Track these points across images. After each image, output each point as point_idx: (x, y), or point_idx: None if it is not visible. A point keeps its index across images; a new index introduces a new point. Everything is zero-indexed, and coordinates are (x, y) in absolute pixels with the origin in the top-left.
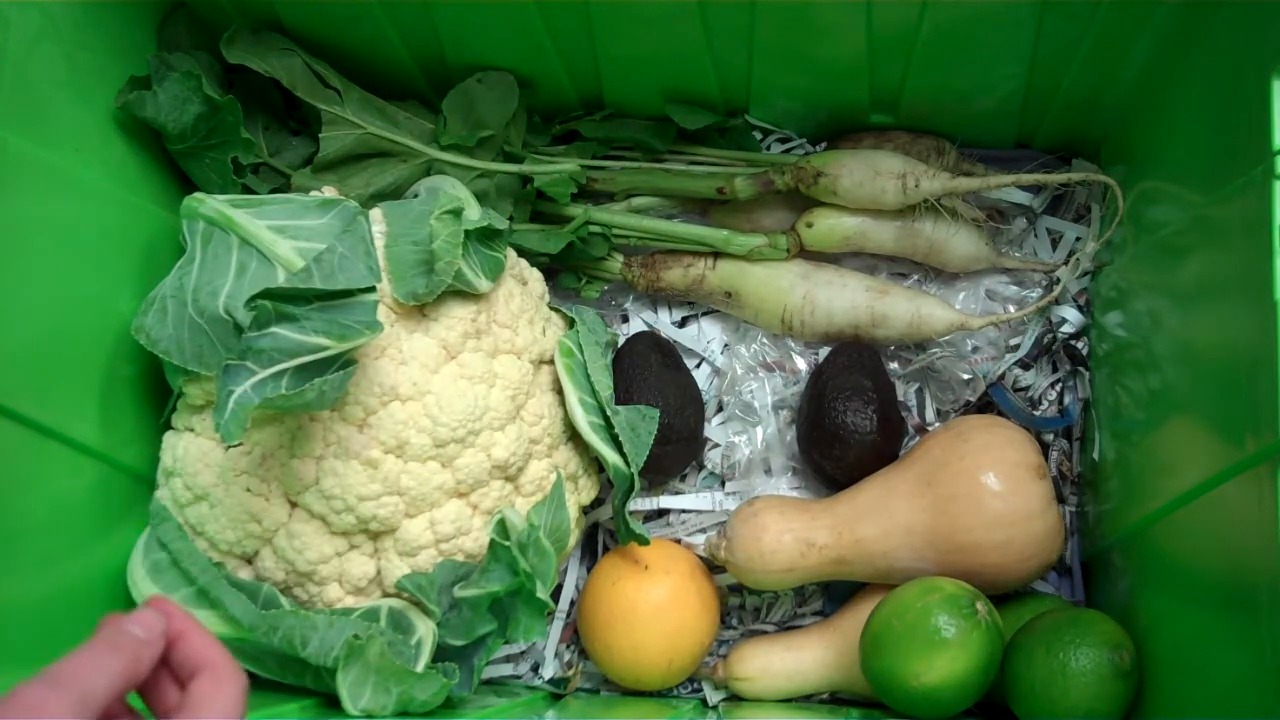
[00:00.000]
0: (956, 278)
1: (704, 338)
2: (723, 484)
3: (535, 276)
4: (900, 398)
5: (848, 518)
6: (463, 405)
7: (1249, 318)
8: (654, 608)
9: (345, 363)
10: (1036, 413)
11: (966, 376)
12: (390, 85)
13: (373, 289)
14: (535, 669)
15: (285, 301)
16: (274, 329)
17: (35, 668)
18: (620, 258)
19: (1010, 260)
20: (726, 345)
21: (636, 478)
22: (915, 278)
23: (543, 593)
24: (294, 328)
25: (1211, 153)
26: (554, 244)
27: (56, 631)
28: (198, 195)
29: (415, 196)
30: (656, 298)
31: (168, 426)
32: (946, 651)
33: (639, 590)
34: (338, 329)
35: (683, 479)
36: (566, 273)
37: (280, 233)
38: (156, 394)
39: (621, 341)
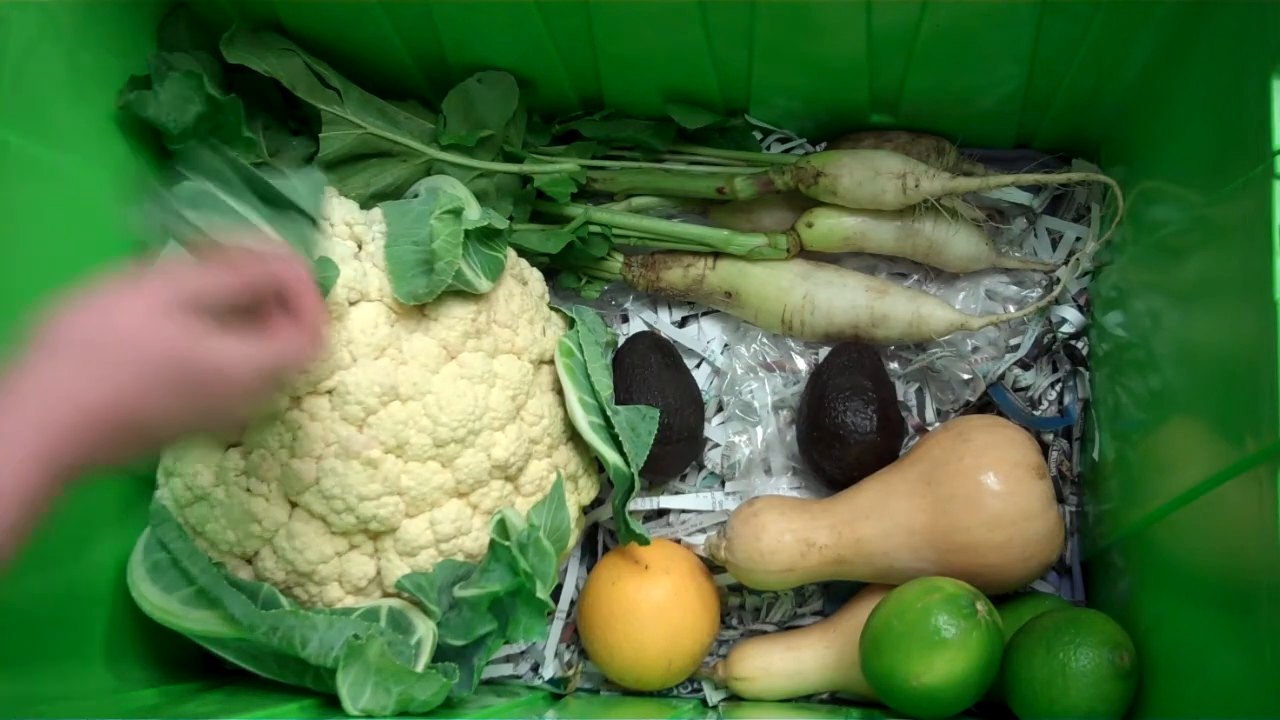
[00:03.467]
0: (956, 278)
1: (704, 338)
2: (723, 484)
3: (535, 276)
4: (900, 398)
5: (848, 518)
6: (463, 405)
7: (1249, 318)
8: (654, 608)
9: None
10: (1036, 413)
11: (966, 376)
12: (390, 85)
13: (313, 221)
14: (535, 669)
15: (229, 166)
16: (208, 184)
17: (36, 668)
18: (620, 258)
19: (1010, 260)
20: (726, 345)
21: (636, 478)
22: (915, 278)
23: (543, 593)
24: (228, 192)
25: (1211, 153)
26: (554, 244)
27: (56, 631)
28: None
29: (415, 196)
30: (656, 298)
31: None
32: (946, 651)
33: (639, 590)
34: (271, 220)
35: (683, 479)
36: (566, 273)
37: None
38: None
39: (621, 341)
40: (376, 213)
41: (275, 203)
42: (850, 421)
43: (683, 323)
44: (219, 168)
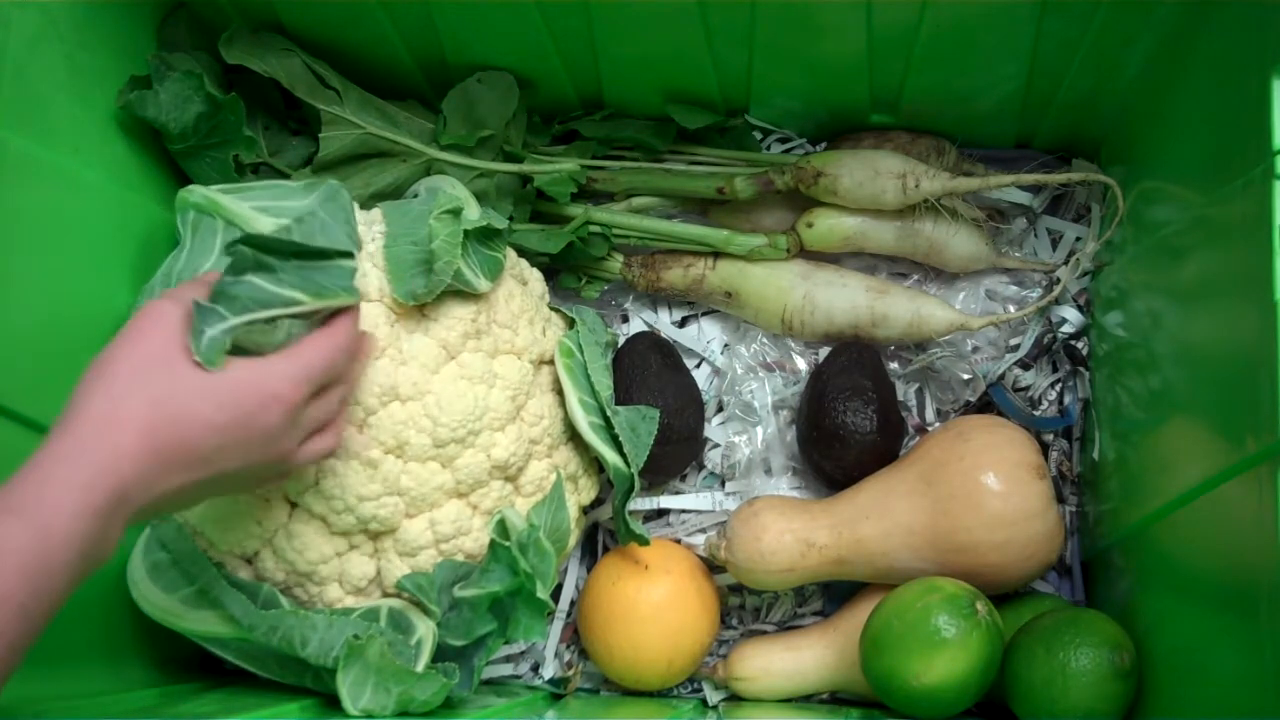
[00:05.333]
0: (956, 278)
1: (704, 338)
2: (723, 484)
3: (535, 276)
4: (900, 398)
5: (848, 518)
6: (463, 405)
7: (1249, 318)
8: (654, 608)
9: (318, 323)
10: (1036, 413)
11: (966, 376)
12: (390, 85)
13: (351, 255)
14: (535, 669)
15: (264, 251)
16: (250, 277)
17: (35, 668)
18: (620, 258)
19: (1010, 260)
20: (726, 345)
21: (636, 478)
22: (915, 278)
23: (543, 593)
24: (270, 279)
25: (1211, 153)
26: (554, 244)
27: (56, 631)
28: (190, 187)
29: (415, 196)
30: (656, 298)
31: None
32: (946, 651)
33: (639, 590)
34: (314, 286)
35: (683, 479)
36: (566, 273)
37: (263, 211)
38: None
39: (621, 341)
40: (376, 213)
41: (313, 256)
42: (850, 421)
43: (683, 323)
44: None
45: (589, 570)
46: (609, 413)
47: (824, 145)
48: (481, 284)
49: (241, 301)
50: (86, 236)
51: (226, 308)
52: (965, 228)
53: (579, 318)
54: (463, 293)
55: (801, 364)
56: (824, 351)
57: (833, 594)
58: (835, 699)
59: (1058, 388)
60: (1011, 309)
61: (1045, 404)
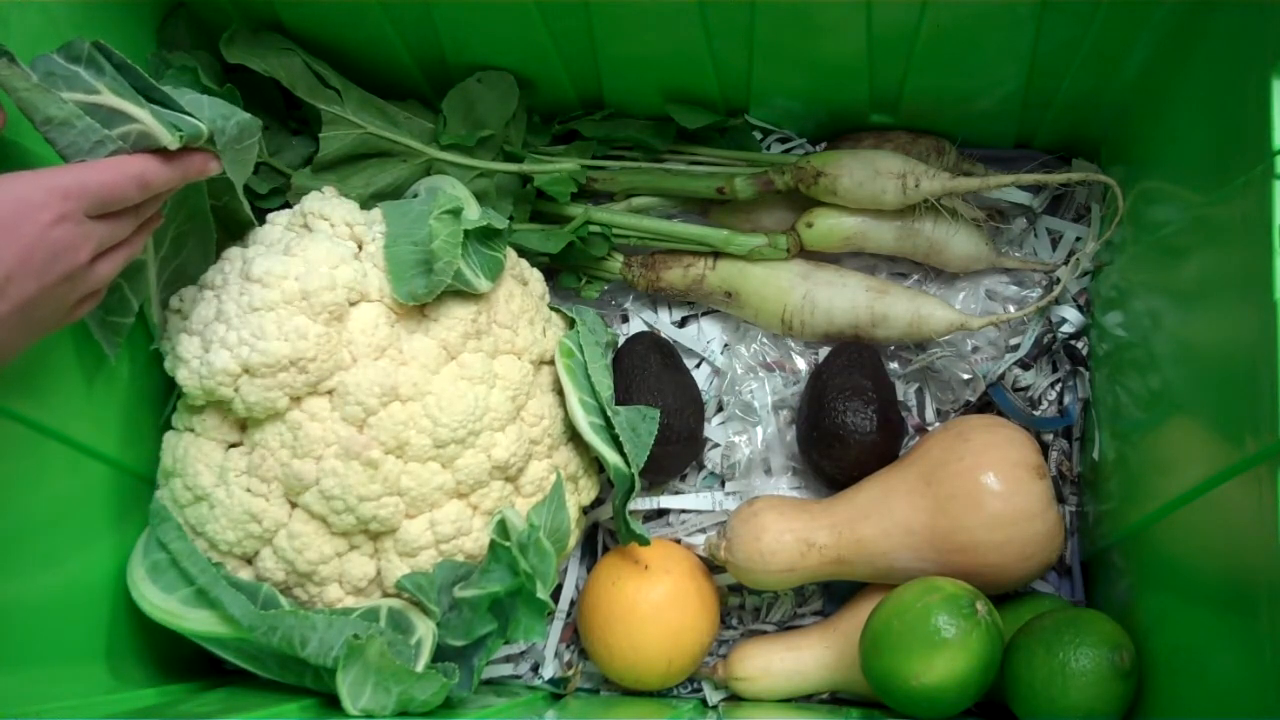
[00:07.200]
0: (956, 278)
1: (704, 338)
2: (723, 484)
3: (535, 276)
4: (900, 398)
5: (848, 518)
6: (463, 406)
7: (1249, 318)
8: (654, 608)
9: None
10: (1036, 413)
11: (966, 376)
12: (390, 85)
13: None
14: (535, 669)
15: (104, 56)
16: (78, 68)
17: (35, 668)
18: (620, 258)
19: (1010, 260)
20: (726, 345)
21: (637, 478)
22: (915, 278)
23: (543, 593)
24: (91, 73)
25: (1211, 153)
26: (554, 244)
27: (56, 631)
28: None
29: (415, 196)
30: (656, 298)
31: (168, 426)
32: (946, 651)
33: (639, 590)
34: (120, 86)
35: (683, 479)
36: (566, 273)
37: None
38: (156, 394)
39: (621, 341)
40: (376, 213)
41: (160, 102)
42: (850, 421)
43: (683, 323)
44: (98, 60)
45: (589, 570)
46: (609, 413)
47: (824, 145)
48: (482, 284)
49: (55, 78)
50: None
51: (35, 71)
52: (965, 228)
53: (579, 318)
54: (463, 293)
55: (801, 364)
56: (824, 351)
57: (833, 594)
58: (835, 699)
59: (1058, 388)
60: (1011, 309)
61: (1045, 404)
